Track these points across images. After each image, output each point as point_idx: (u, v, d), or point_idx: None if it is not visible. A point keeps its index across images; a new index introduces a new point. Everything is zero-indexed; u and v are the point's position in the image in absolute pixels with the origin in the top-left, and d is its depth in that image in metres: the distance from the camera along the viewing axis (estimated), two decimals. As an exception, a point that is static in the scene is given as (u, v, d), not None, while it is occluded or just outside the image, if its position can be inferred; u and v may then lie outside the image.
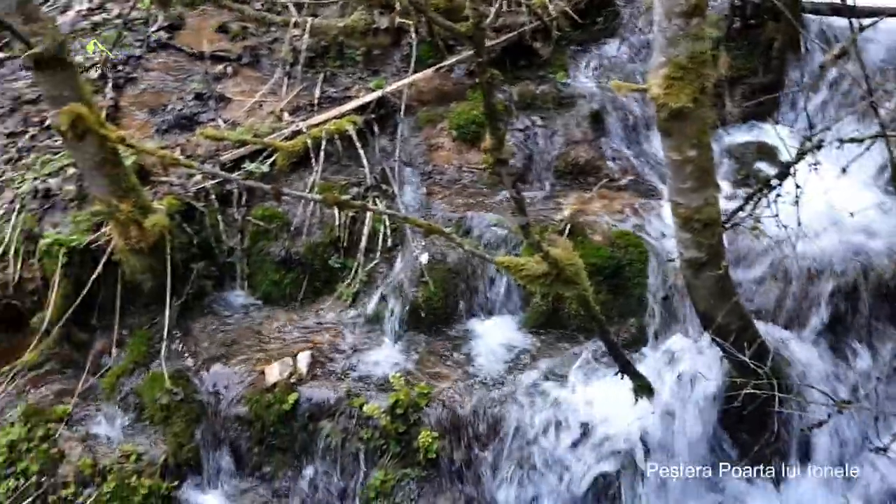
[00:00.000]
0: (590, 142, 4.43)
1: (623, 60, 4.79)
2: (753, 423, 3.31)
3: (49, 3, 5.50)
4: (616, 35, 4.91)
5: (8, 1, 3.09)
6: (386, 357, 3.73)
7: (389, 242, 4.05)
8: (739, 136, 4.52)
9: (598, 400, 3.45)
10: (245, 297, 4.11)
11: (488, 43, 4.55)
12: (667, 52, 2.52)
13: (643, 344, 3.70)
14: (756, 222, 2.95)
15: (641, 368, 3.28)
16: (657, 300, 3.73)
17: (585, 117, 4.48)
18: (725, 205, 3.10)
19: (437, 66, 4.56)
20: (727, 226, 2.93)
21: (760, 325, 3.37)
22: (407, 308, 3.82)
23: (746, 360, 2.87)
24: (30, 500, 3.46)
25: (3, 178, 4.32)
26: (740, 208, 2.97)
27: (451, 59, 4.57)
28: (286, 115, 4.50)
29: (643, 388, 3.23)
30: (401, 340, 3.81)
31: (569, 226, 3.85)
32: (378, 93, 4.44)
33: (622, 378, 3.19)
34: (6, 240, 4.00)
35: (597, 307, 3.01)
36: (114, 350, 3.92)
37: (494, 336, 3.82)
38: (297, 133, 4.31)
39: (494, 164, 2.55)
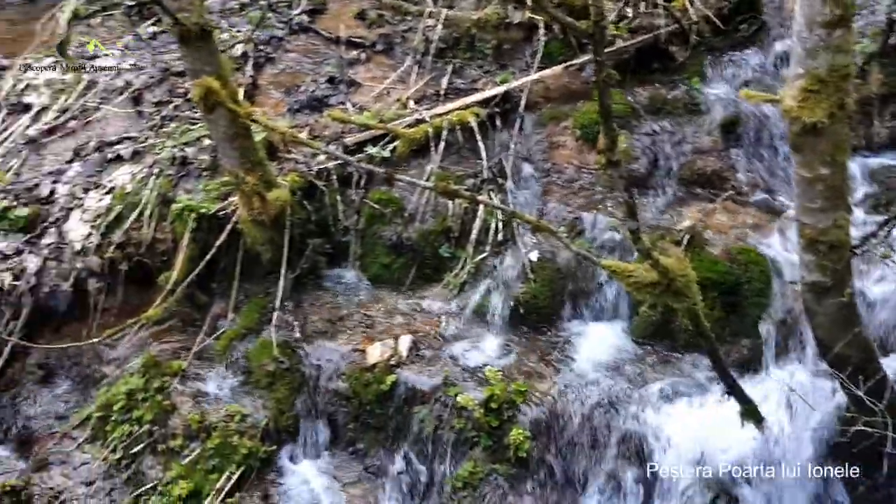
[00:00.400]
0: (719, 151, 4.25)
1: (763, 70, 4.56)
2: (865, 461, 3.09)
3: (204, -17, 5.83)
4: (758, 44, 4.69)
5: (163, -21, 3.30)
6: (486, 350, 3.73)
7: (500, 237, 4.04)
8: (886, 159, 4.21)
9: (700, 420, 3.31)
10: (355, 276, 4.21)
11: (622, 43, 4.47)
12: (805, 64, 2.37)
13: (755, 367, 3.52)
14: (890, 249, 2.74)
15: (750, 392, 3.12)
16: (774, 323, 3.54)
17: (717, 126, 4.31)
18: (857, 230, 2.90)
19: (567, 63, 4.50)
20: (857, 251, 2.73)
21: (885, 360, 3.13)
22: (511, 304, 3.81)
23: (861, 395, 2.67)
24: (141, 446, 3.69)
25: (147, 143, 4.62)
26: (874, 234, 2.76)
27: (582, 58, 4.50)
28: (411, 103, 4.57)
29: (750, 413, 3.07)
30: (502, 335, 3.80)
31: (687, 236, 3.72)
32: (504, 87, 4.43)
33: (728, 400, 3.05)
34: (143, 202, 4.27)
35: (707, 324, 2.89)
36: (230, 314, 4.11)
37: (598, 342, 3.74)
38: (420, 121, 4.38)
39: (607, 165, 2.48)
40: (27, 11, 6.08)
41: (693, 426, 3.31)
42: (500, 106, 4.41)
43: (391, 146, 4.31)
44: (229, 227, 4.07)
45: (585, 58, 4.51)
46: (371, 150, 4.31)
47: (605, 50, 2.29)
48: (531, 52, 4.70)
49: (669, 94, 4.44)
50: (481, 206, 4.07)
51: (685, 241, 3.68)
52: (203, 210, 4.11)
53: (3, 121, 5.01)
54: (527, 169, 4.23)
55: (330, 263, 4.23)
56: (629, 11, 4.54)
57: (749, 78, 4.54)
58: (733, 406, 3.04)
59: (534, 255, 3.84)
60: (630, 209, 2.62)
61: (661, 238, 3.61)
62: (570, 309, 3.85)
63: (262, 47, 5.04)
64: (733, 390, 3.03)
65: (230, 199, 4.15)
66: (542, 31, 4.58)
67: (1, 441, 4.07)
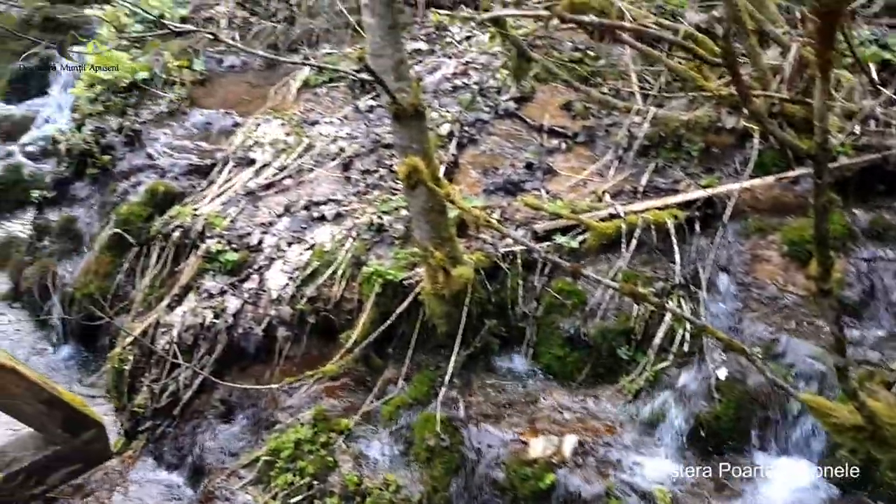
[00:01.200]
0: (948, 288, 3.79)
1: None
2: None
3: (420, 62, 6.20)
4: None
5: (387, 62, 3.50)
6: (656, 466, 3.49)
7: (686, 347, 3.82)
8: None
9: None
10: (526, 364, 4.14)
11: (845, 161, 4.17)
12: None
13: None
14: None
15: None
16: None
17: (950, 258, 3.86)
18: None
19: (780, 175, 4.26)
20: None
21: None
22: (691, 422, 3.55)
23: None
24: (300, 497, 3.77)
25: (349, 207, 4.89)
26: None
27: (798, 171, 4.24)
28: (607, 197, 4.51)
29: None
30: (677, 454, 3.54)
31: (902, 379, 3.31)
32: (708, 191, 4.26)
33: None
34: (338, 261, 4.49)
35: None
36: (400, 381, 4.16)
37: (785, 479, 3.38)
38: (614, 216, 4.29)
39: (817, 293, 2.28)
40: (266, 76, 6.74)
41: None
42: (702, 210, 4.23)
43: (581, 237, 4.25)
44: (412, 296, 4.17)
45: (801, 171, 4.24)
46: (560, 239, 4.28)
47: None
48: (741, 158, 4.50)
49: (894, 220, 4.05)
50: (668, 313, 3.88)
51: (900, 385, 3.27)
52: (390, 277, 4.25)
53: (230, 172, 5.53)
54: (724, 280, 3.99)
55: (503, 347, 4.19)
56: (857, 128, 4.24)
57: None
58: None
59: (722, 373, 3.58)
60: (838, 343, 2.38)
61: (870, 377, 3.23)
62: (757, 437, 3.53)
63: (467, 128, 5.23)
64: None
65: (416, 269, 4.27)
66: (756, 140, 4.38)
67: (177, 467, 4.34)
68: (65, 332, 5.50)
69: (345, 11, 6.92)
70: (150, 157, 5.79)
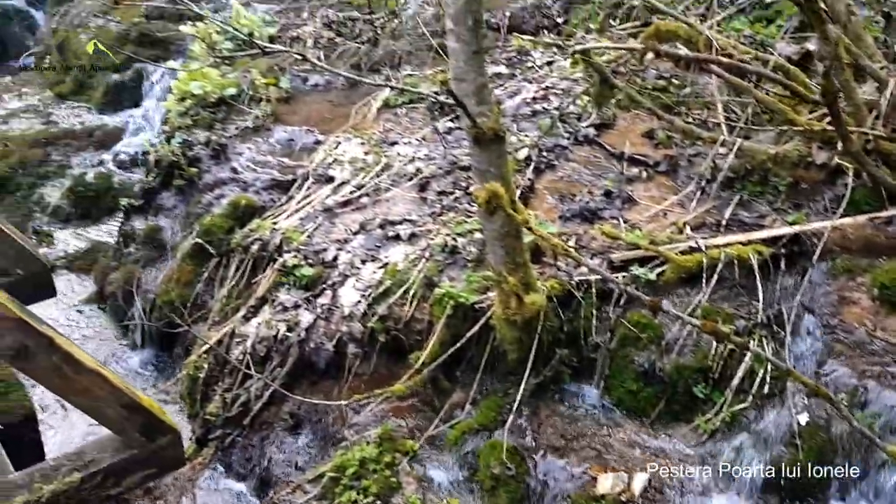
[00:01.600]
0: None
1: None
2: None
3: (501, 86, 6.21)
4: None
5: (469, 86, 3.51)
6: (730, 511, 3.37)
7: (766, 389, 3.67)
8: None
9: None
10: (597, 396, 4.06)
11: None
12: None
13: None
14: None
15: None
16: None
17: None
18: None
19: (873, 215, 4.08)
20: None
21: None
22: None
23: None
24: (362, 516, 3.78)
25: (424, 227, 4.91)
26: None
27: (892, 211, 4.05)
28: (688, 229, 4.40)
29: None
30: (751, 499, 3.40)
31: None
32: (795, 228, 4.11)
33: None
34: (410, 281, 4.51)
35: None
36: (467, 405, 4.14)
37: (866, 535, 3.21)
38: (695, 250, 4.18)
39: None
40: (347, 95, 6.87)
41: None
42: (787, 247, 4.08)
43: (659, 270, 4.16)
44: (483, 320, 4.14)
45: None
46: (637, 270, 4.19)
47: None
48: (831, 195, 4.33)
49: None
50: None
51: None
52: (461, 299, 4.24)
53: (309, 188, 5.63)
54: (809, 321, 3.83)
55: (573, 377, 4.12)
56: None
57: None
58: None
59: (803, 418, 3.43)
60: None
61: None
62: (838, 488, 3.36)
63: (545, 153, 5.20)
64: None
65: (488, 293, 4.24)
66: (850, 177, 4.22)
67: (244, 476, 4.41)
68: (144, 338, 5.69)
69: (427, 34, 7.01)
70: (234, 170, 5.95)
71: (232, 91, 6.75)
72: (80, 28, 10.13)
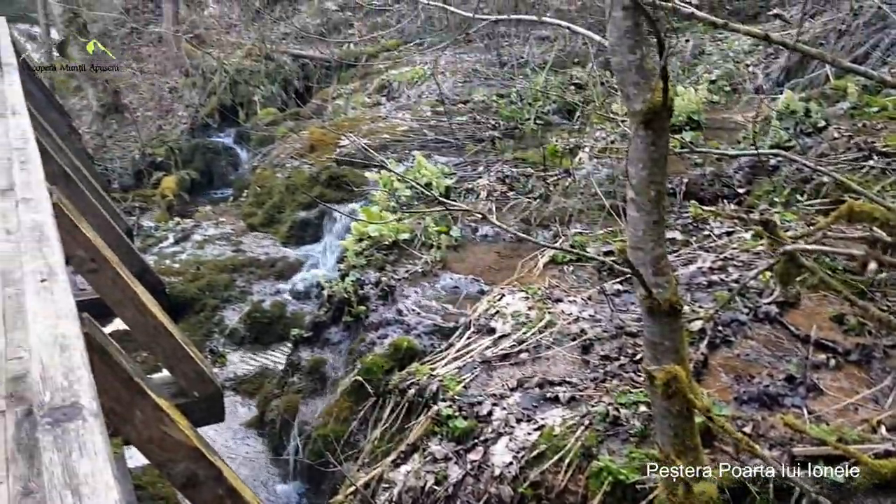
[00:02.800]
0: None
1: None
2: None
3: (675, 253, 6.07)
4: None
5: (646, 256, 3.44)
6: None
7: None
8: None
9: None
10: None
11: None
12: None
13: None
14: None
15: None
16: None
17: None
18: None
19: None
20: None
21: None
22: None
23: None
24: None
25: (585, 392, 4.73)
26: None
27: None
28: (883, 429, 3.95)
29: None
30: None
31: None
32: None
33: None
34: (567, 448, 4.30)
35: None
36: None
37: None
38: (891, 454, 3.72)
39: None
40: (515, 248, 6.99)
41: None
42: None
43: (849, 472, 3.71)
44: (643, 503, 3.85)
45: None
46: (822, 469, 3.76)
47: None
48: None
49: None
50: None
51: None
52: (621, 477, 3.97)
53: (469, 338, 5.65)
54: None
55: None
56: None
57: None
58: None
59: None
60: None
61: None
62: None
63: (720, 328, 4.93)
64: None
65: (650, 474, 3.95)
66: None
67: None
68: (296, 469, 5.76)
69: (600, 194, 7.08)
70: (399, 312, 6.11)
71: (405, 236, 7.07)
72: (278, 168, 11.18)
